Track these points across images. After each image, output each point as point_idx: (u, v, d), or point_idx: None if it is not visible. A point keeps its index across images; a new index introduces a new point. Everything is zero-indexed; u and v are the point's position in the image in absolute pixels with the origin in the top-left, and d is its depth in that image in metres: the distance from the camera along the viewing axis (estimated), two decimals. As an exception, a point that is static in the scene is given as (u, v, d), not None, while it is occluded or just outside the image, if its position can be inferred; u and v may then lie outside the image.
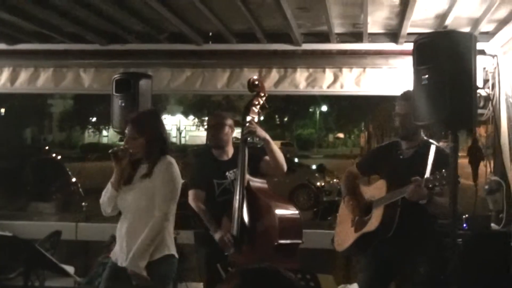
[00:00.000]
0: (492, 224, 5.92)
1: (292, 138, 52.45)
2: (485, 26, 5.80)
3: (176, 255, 4.59)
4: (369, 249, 4.73)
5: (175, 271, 4.67)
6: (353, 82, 6.59)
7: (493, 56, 6.12)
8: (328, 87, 6.68)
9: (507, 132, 5.94)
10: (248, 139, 5.07)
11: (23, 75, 7.05)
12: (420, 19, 5.72)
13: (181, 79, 6.91)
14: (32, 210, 11.06)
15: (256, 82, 5.22)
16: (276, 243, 4.68)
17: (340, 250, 4.93)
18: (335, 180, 16.57)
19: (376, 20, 5.92)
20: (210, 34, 6.66)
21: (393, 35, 6.33)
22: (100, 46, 6.80)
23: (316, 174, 18.81)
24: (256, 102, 5.14)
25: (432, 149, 4.58)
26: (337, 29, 6.26)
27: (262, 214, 4.88)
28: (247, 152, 5.01)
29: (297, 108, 47.82)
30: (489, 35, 6.04)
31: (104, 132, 50.54)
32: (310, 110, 51.47)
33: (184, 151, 26.27)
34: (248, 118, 5.06)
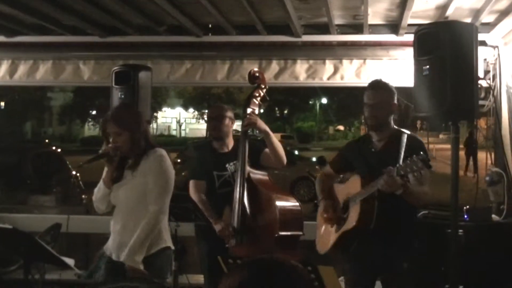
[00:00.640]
0: (493, 216, 5.91)
1: (292, 131, 52.54)
2: (486, 17, 5.78)
3: (172, 246, 4.59)
4: (351, 247, 4.51)
5: (171, 263, 4.67)
6: (354, 73, 6.57)
7: (494, 47, 6.10)
8: (328, 79, 6.66)
9: (508, 124, 5.93)
10: (249, 131, 5.06)
11: (22, 68, 7.04)
12: (421, 10, 5.70)
13: (181, 71, 6.90)
14: (32, 203, 11.04)
15: (257, 74, 5.21)
16: (276, 235, 4.68)
17: (323, 252, 4.72)
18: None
19: (377, 11, 5.90)
20: (210, 26, 6.65)
21: (393, 26, 6.32)
22: (99, 38, 6.79)
23: (317, 167, 18.77)
24: (257, 94, 5.13)
25: (404, 137, 4.41)
26: (337, 20, 6.25)
27: (263, 206, 4.87)
28: (247, 144, 5.00)
29: (297, 101, 47.93)
30: (490, 26, 6.03)
31: (104, 125, 50.53)
32: (310, 102, 51.59)
33: (184, 144, 26.28)
34: (249, 110, 5.05)
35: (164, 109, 53.37)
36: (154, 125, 51.75)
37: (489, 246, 5.49)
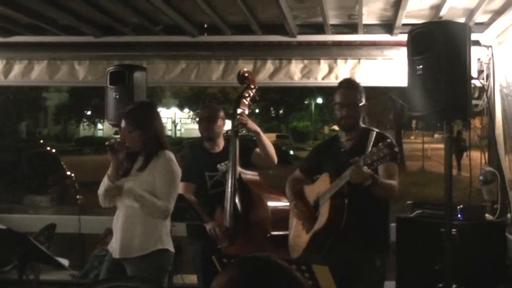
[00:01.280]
0: (487, 215, 5.93)
1: (287, 130, 52.55)
2: (480, 17, 5.79)
3: (172, 250, 4.59)
4: (324, 248, 4.32)
5: (170, 265, 4.67)
6: (348, 73, 6.57)
7: (488, 47, 6.12)
8: (323, 79, 6.67)
9: (501, 123, 5.94)
10: (239, 131, 5.08)
11: (17, 68, 7.02)
12: (415, 10, 5.72)
13: (176, 71, 6.90)
14: (27, 203, 11.05)
15: (246, 74, 5.24)
16: (269, 235, 4.70)
17: (296, 256, 4.52)
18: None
19: (371, 11, 5.91)
20: (205, 26, 6.64)
21: (388, 26, 6.32)
22: (94, 38, 6.78)
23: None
24: (247, 95, 5.17)
25: (372, 135, 4.37)
26: (332, 20, 6.25)
27: (255, 206, 4.90)
28: (238, 144, 5.02)
29: (292, 100, 47.83)
30: (484, 25, 6.04)
31: (99, 126, 50.47)
32: (306, 102, 51.50)
33: (179, 144, 26.27)
34: (239, 111, 5.08)
35: (159, 109, 53.26)
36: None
37: (483, 245, 5.50)
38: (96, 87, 7.34)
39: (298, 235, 4.60)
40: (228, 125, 5.68)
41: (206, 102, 38.81)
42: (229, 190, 4.92)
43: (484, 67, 6.16)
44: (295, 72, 6.70)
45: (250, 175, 5.10)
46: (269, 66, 6.73)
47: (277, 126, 52.80)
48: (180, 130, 59.92)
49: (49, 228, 6.54)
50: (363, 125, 4.57)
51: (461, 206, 5.55)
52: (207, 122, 5.34)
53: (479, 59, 6.13)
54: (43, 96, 44.74)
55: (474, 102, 5.27)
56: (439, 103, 4.17)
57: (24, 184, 13.00)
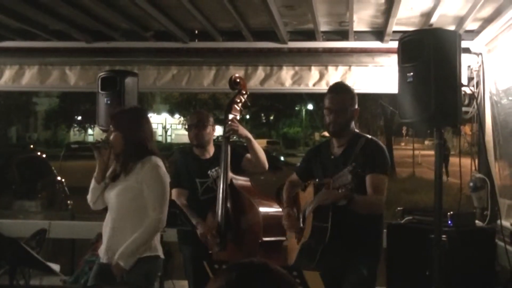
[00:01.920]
0: (477, 221, 5.96)
1: (278, 137, 52.57)
2: (470, 25, 5.83)
3: (162, 256, 4.59)
4: (314, 259, 4.21)
5: (159, 272, 4.67)
6: (339, 80, 6.58)
7: (478, 54, 6.16)
8: (314, 85, 6.69)
9: (491, 130, 5.98)
10: (230, 137, 5.10)
11: (8, 73, 7.01)
12: (406, 17, 5.75)
13: (167, 77, 6.90)
14: (17, 209, 10.99)
15: (238, 80, 5.25)
16: (260, 240, 4.70)
17: (292, 263, 4.46)
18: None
19: (362, 18, 5.94)
20: (196, 32, 6.66)
21: (378, 33, 6.35)
22: (85, 43, 6.78)
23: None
24: (238, 100, 5.17)
25: (361, 142, 4.30)
26: (323, 27, 6.28)
27: (246, 211, 4.90)
28: (229, 150, 5.03)
29: (283, 107, 47.88)
30: (474, 33, 6.08)
31: (90, 131, 50.31)
32: (296, 108, 51.55)
33: (169, 150, 26.25)
34: (230, 116, 5.09)
35: (150, 114, 53.09)
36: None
37: (473, 251, 5.52)
38: (87, 92, 7.32)
39: (292, 244, 4.59)
40: (218, 131, 5.69)
41: (197, 108, 38.80)
42: (221, 196, 4.92)
43: (474, 74, 6.19)
44: (286, 78, 6.72)
45: (241, 180, 5.11)
46: (260, 72, 6.74)
47: (268, 132, 52.79)
48: (170, 135, 59.82)
49: (40, 233, 6.52)
50: (356, 131, 4.50)
51: (451, 212, 5.57)
52: (196, 129, 5.32)
53: (469, 66, 6.17)
54: (33, 101, 44.61)
55: (464, 109, 5.30)
56: (429, 110, 4.18)
57: (13, 189, 12.92)
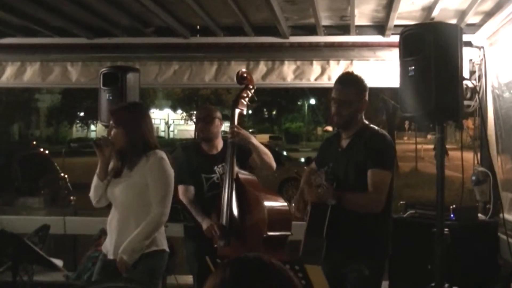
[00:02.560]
0: (479, 215, 5.96)
1: (280, 132, 52.61)
2: (471, 18, 5.82)
3: (167, 250, 4.59)
4: (320, 253, 4.13)
5: (164, 266, 4.67)
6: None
7: (480, 48, 6.15)
8: (315, 80, 6.68)
9: (493, 124, 5.97)
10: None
11: (10, 70, 7.01)
12: (407, 11, 5.74)
13: (168, 73, 6.90)
14: (20, 205, 11.00)
15: (245, 75, 5.23)
16: (265, 235, 4.69)
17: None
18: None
19: (363, 12, 5.93)
20: (198, 27, 6.65)
21: (380, 27, 6.34)
22: (87, 40, 6.78)
23: (305, 167, 18.79)
24: (245, 95, 5.16)
25: (366, 134, 4.27)
26: (324, 21, 6.27)
27: (251, 206, 4.89)
28: (235, 148, 5.03)
29: (285, 102, 47.91)
30: (475, 27, 6.07)
31: (92, 127, 50.36)
32: (298, 103, 51.58)
33: (172, 145, 26.24)
34: (237, 111, 5.09)
35: (152, 110, 53.26)
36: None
37: (476, 245, 5.52)
38: (88, 89, 7.33)
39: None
40: (225, 126, 5.70)
41: (199, 104, 38.78)
42: (226, 191, 4.92)
43: (476, 68, 6.18)
44: (287, 73, 6.71)
45: (247, 175, 5.10)
46: (262, 67, 6.73)
47: (270, 127, 52.83)
48: (173, 131, 59.91)
49: (42, 229, 6.53)
50: (366, 123, 4.41)
51: (454, 206, 5.57)
52: (204, 123, 5.35)
53: (471, 60, 6.15)
54: (35, 98, 44.67)
55: (466, 103, 5.28)
56: (430, 104, 4.17)
57: (16, 186, 12.93)
